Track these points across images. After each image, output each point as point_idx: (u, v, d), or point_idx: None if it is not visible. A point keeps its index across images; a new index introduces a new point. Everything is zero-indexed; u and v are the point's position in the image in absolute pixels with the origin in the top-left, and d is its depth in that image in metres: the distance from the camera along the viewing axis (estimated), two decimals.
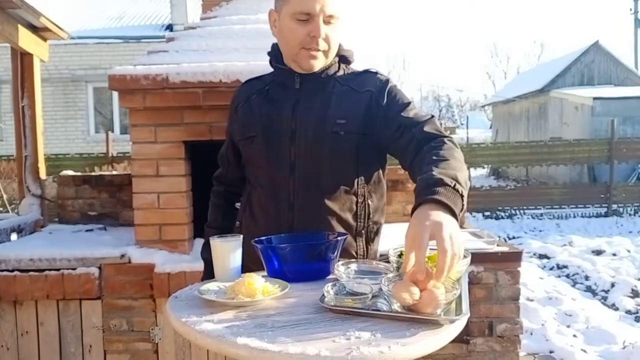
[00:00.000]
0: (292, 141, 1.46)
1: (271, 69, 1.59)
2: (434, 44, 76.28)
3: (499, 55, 44.97)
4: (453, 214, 1.12)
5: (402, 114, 1.42)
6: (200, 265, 2.67)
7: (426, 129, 1.37)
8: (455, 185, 1.15)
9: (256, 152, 1.50)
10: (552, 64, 19.90)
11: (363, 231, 1.52)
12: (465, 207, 1.18)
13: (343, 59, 1.54)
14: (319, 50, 1.43)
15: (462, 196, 1.15)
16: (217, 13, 3.46)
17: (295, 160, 1.46)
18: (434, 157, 1.25)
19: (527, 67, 35.20)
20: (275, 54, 1.54)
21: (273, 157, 1.47)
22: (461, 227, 3.31)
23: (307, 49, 1.43)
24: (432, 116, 1.44)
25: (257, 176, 1.52)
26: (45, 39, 3.68)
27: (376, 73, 1.54)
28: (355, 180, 1.48)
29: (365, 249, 1.54)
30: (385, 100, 1.46)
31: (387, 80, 1.51)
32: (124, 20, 13.88)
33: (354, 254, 1.52)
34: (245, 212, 1.58)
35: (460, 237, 1.09)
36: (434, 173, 1.17)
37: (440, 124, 1.43)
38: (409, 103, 1.47)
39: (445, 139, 1.34)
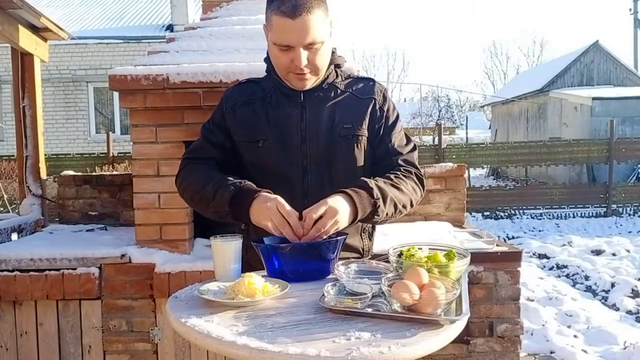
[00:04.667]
0: (303, 145, 1.49)
1: (265, 72, 1.61)
2: (434, 44, 76.29)
3: (499, 56, 44.93)
4: (355, 213, 1.36)
5: (392, 135, 1.55)
6: (200, 265, 2.69)
7: (404, 161, 1.54)
8: (377, 200, 1.37)
9: (266, 156, 1.50)
10: (551, 64, 19.90)
11: (366, 228, 1.59)
12: (380, 221, 1.43)
13: (337, 65, 1.57)
14: (305, 72, 1.45)
15: (376, 211, 1.38)
16: (218, 14, 3.46)
17: (307, 163, 1.49)
18: (390, 176, 1.48)
19: (527, 67, 35.25)
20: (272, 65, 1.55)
21: (285, 161, 1.49)
22: (460, 227, 3.34)
23: (293, 73, 1.46)
24: (415, 148, 1.59)
25: (266, 179, 1.50)
26: (45, 39, 3.69)
27: (375, 82, 1.61)
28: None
29: (369, 245, 1.62)
30: (385, 109, 1.57)
31: (387, 91, 1.62)
32: (124, 20, 13.88)
33: (361, 250, 1.58)
34: None
35: (339, 224, 1.32)
36: (371, 183, 1.40)
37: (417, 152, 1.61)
38: (397, 120, 1.59)
39: (413, 171, 1.54)
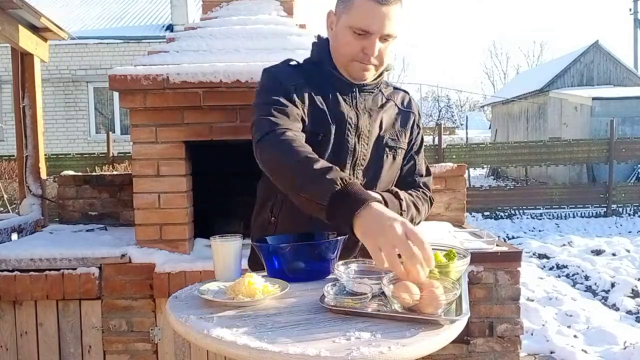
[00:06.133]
0: (357, 148, 1.48)
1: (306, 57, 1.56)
2: (434, 44, 76.29)
3: (499, 56, 44.95)
4: None
5: (419, 156, 1.61)
6: (200, 265, 2.69)
7: (424, 184, 1.60)
8: (402, 214, 1.41)
9: (321, 150, 1.40)
10: (551, 64, 19.91)
11: None
12: None
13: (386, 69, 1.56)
14: (370, 64, 1.43)
15: None
16: (218, 13, 3.46)
17: (356, 166, 1.48)
18: (413, 194, 1.54)
19: (527, 67, 35.25)
20: (328, 56, 1.49)
21: (336, 160, 1.41)
22: (460, 227, 3.34)
23: (359, 62, 1.43)
24: (431, 173, 1.66)
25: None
26: (45, 39, 3.68)
27: (410, 95, 1.64)
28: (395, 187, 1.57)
29: None
30: (420, 128, 1.62)
31: (418, 107, 1.66)
32: (124, 20, 13.87)
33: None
34: (282, 208, 1.49)
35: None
36: (401, 195, 1.46)
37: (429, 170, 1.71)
38: (423, 140, 1.65)
39: (429, 196, 1.60)
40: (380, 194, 1.39)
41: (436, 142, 11.33)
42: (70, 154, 9.94)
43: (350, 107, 1.48)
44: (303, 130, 1.37)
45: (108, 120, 13.33)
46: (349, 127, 1.46)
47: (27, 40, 3.46)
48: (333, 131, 1.43)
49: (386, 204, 1.35)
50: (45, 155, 3.92)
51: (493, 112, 22.75)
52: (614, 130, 10.36)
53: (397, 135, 1.53)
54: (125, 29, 13.32)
